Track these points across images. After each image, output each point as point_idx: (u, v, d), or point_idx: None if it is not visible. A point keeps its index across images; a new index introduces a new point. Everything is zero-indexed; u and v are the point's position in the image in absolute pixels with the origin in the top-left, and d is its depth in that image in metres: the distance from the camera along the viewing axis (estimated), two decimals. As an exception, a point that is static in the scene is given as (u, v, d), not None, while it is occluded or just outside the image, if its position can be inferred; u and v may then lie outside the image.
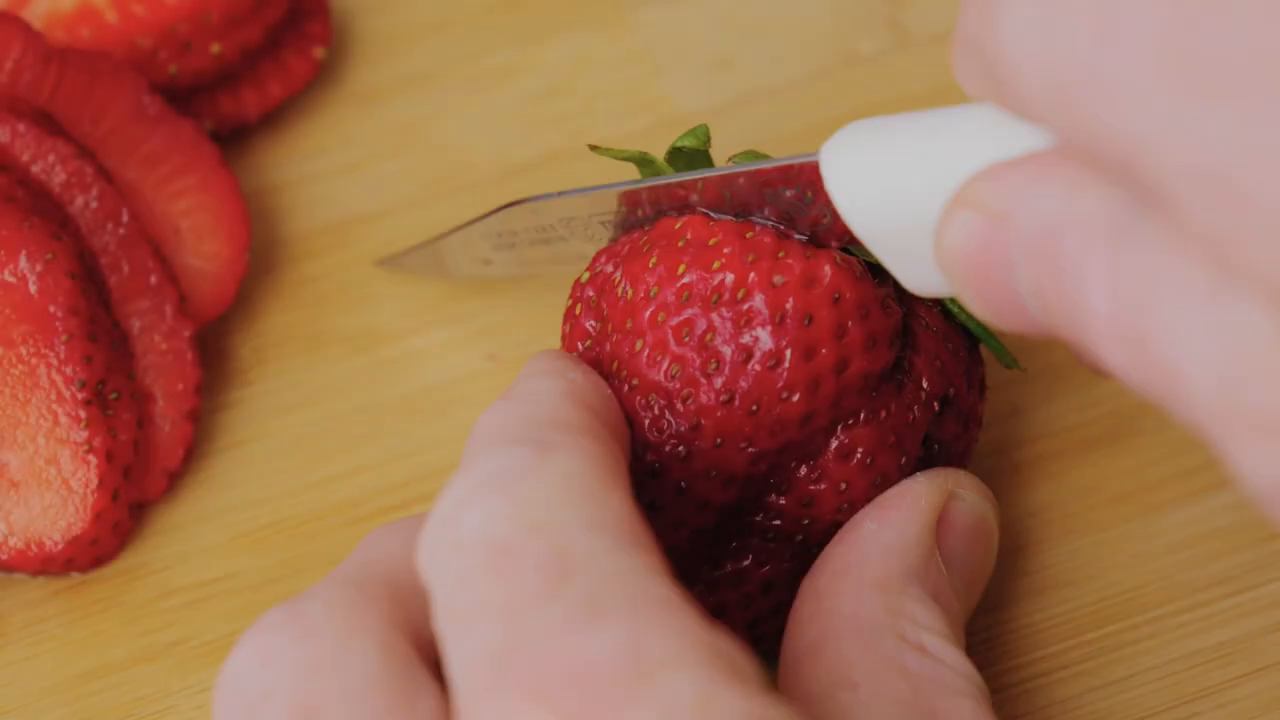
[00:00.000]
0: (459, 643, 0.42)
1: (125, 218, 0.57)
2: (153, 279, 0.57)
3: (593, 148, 0.52)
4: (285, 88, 0.63)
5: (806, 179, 0.49)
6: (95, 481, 0.55)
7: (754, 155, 0.51)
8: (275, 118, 0.64)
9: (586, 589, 0.41)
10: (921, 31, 0.65)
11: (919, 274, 0.47)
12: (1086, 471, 0.56)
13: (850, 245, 0.49)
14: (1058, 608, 0.54)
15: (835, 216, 0.48)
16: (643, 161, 0.52)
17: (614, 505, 0.44)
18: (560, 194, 0.53)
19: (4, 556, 0.56)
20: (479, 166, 0.63)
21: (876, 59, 0.64)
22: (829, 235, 0.49)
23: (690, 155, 0.52)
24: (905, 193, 0.46)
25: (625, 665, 0.40)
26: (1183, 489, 0.56)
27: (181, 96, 0.62)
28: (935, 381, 0.51)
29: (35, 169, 0.57)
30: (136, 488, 0.57)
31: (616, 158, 0.52)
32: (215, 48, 0.61)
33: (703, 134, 0.52)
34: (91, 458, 0.55)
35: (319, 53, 0.63)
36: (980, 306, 0.45)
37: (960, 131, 0.45)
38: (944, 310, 0.52)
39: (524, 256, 0.56)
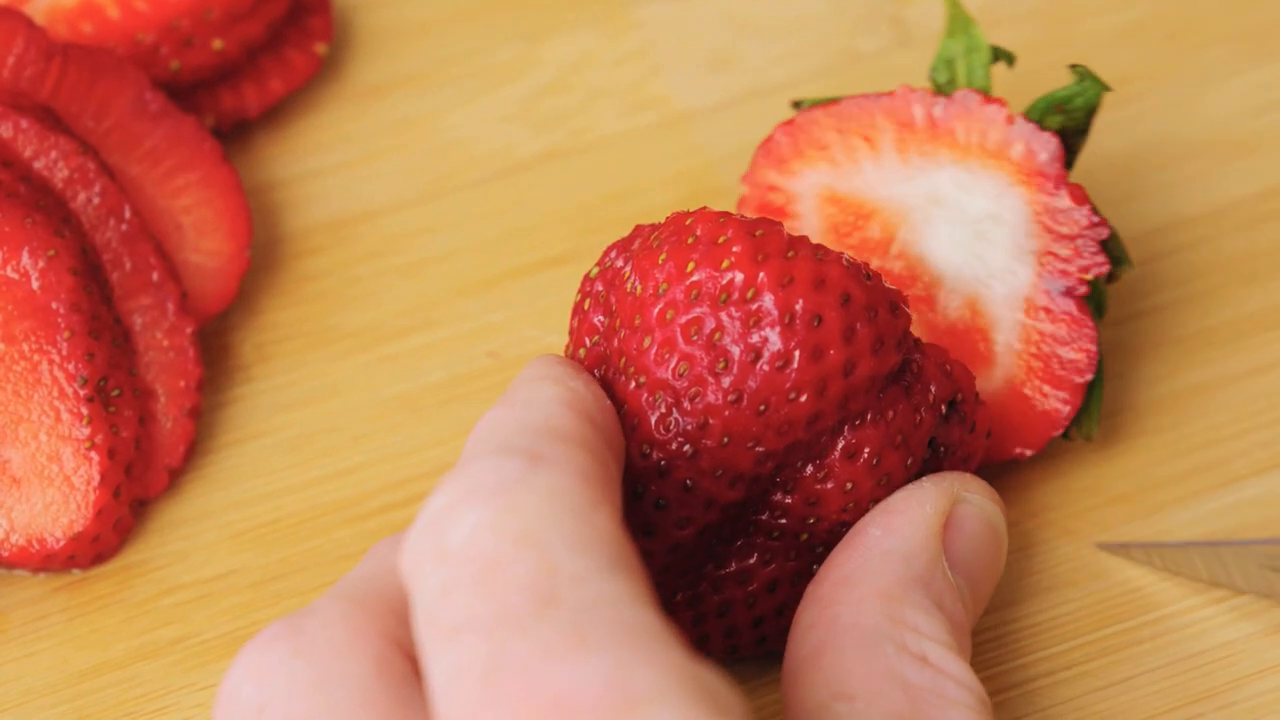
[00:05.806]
0: (441, 654, 0.42)
1: (127, 214, 0.57)
2: (155, 275, 0.57)
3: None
4: (287, 84, 0.63)
5: None
6: (97, 478, 0.55)
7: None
8: (277, 113, 0.64)
9: (572, 615, 0.41)
10: (923, 29, 0.65)
11: None
12: (1086, 471, 0.56)
13: None
14: (1060, 608, 0.54)
15: None
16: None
17: (600, 524, 0.43)
18: None
19: (5, 553, 0.56)
20: (480, 163, 0.63)
21: (877, 57, 0.64)
22: None
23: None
24: None
25: (609, 697, 0.40)
26: (1183, 489, 0.56)
27: (183, 92, 0.61)
28: (942, 385, 0.51)
29: (37, 165, 0.57)
30: (138, 484, 0.57)
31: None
32: (217, 43, 0.61)
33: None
34: (93, 454, 0.55)
35: (320, 48, 0.63)
36: None
37: None
38: None
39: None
